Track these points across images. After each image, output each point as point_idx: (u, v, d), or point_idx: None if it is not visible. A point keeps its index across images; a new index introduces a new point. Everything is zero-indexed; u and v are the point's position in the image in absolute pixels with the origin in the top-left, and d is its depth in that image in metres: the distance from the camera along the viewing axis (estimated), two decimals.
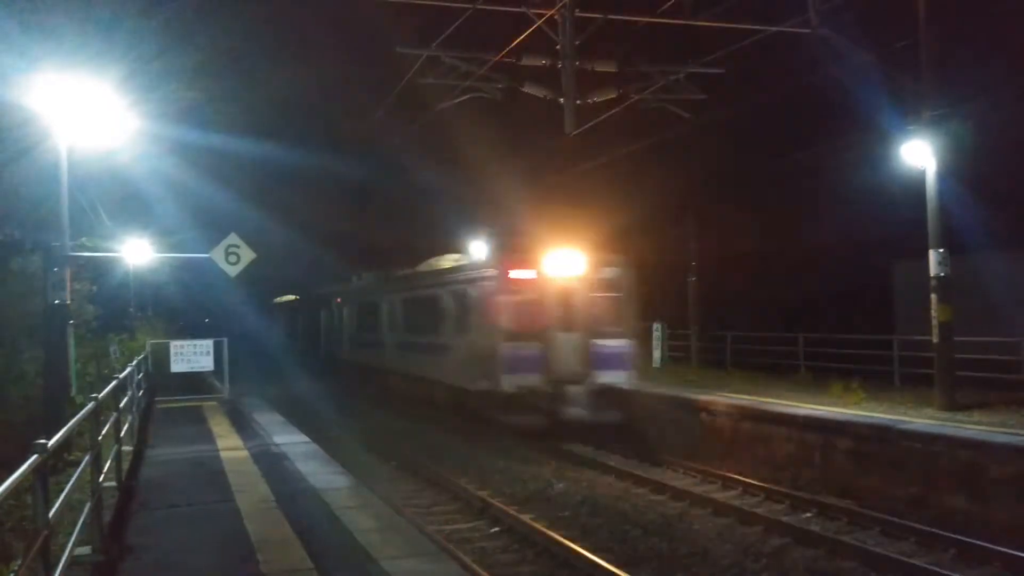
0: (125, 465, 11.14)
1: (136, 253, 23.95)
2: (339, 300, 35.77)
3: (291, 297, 52.00)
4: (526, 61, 14.89)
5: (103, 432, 8.80)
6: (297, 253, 40.68)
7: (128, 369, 14.80)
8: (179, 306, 40.84)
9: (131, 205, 23.57)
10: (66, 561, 6.12)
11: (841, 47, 15.23)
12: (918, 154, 15.03)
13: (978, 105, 15.50)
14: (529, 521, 11.91)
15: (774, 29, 14.71)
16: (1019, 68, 17.06)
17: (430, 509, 13.27)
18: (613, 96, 15.27)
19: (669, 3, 13.85)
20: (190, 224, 27.06)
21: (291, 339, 47.36)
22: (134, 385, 15.04)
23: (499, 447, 17.75)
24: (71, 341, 14.21)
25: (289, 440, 14.73)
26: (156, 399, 20.63)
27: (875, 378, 18.28)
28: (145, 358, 20.48)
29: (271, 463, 12.38)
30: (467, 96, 15.98)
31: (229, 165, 26.25)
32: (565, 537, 11.09)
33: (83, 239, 18.76)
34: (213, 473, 11.61)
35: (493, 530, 11.95)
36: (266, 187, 33.09)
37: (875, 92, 16.44)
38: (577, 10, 14.28)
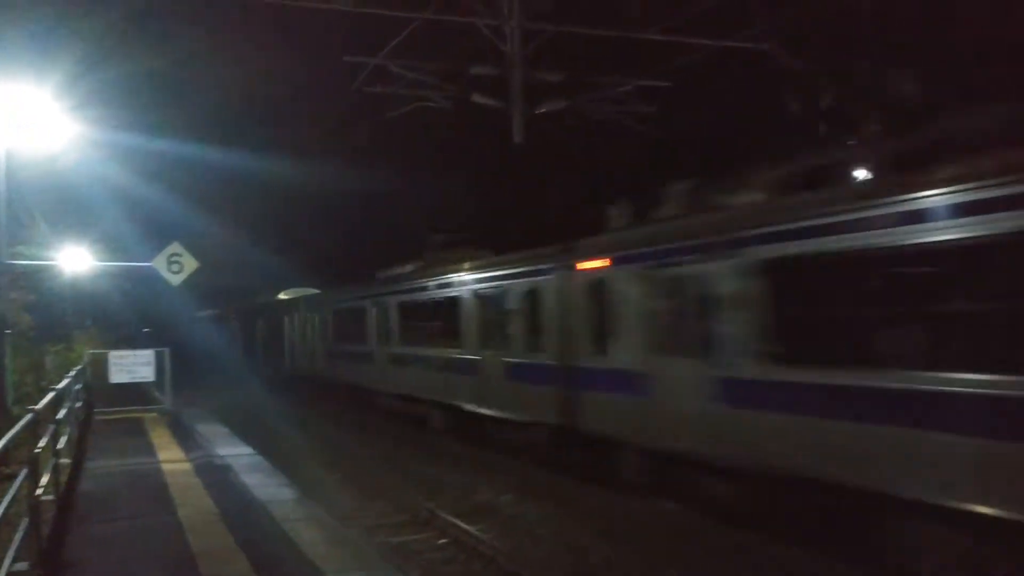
0: (63, 478, 10.89)
1: (75, 261, 23.43)
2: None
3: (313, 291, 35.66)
4: (475, 71, 14.90)
5: (40, 444, 8.61)
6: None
7: (66, 380, 14.49)
8: (121, 315, 39.93)
9: (71, 213, 23.16)
10: None
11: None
12: None
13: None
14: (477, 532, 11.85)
15: (722, 44, 14.88)
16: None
17: (377, 521, 13.15)
18: (563, 106, 15.34)
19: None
20: (132, 231, 26.62)
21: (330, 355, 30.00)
22: (72, 396, 14.72)
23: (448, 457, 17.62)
24: (7, 351, 13.91)
25: (233, 452, 14.55)
26: (95, 410, 20.20)
27: None
28: (83, 369, 20.05)
29: (214, 476, 12.20)
30: (414, 105, 15.95)
31: (174, 171, 25.99)
32: None
33: (20, 247, 18.37)
34: (155, 486, 11.40)
35: (441, 542, 11.87)
36: (216, 194, 32.76)
37: None
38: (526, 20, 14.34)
